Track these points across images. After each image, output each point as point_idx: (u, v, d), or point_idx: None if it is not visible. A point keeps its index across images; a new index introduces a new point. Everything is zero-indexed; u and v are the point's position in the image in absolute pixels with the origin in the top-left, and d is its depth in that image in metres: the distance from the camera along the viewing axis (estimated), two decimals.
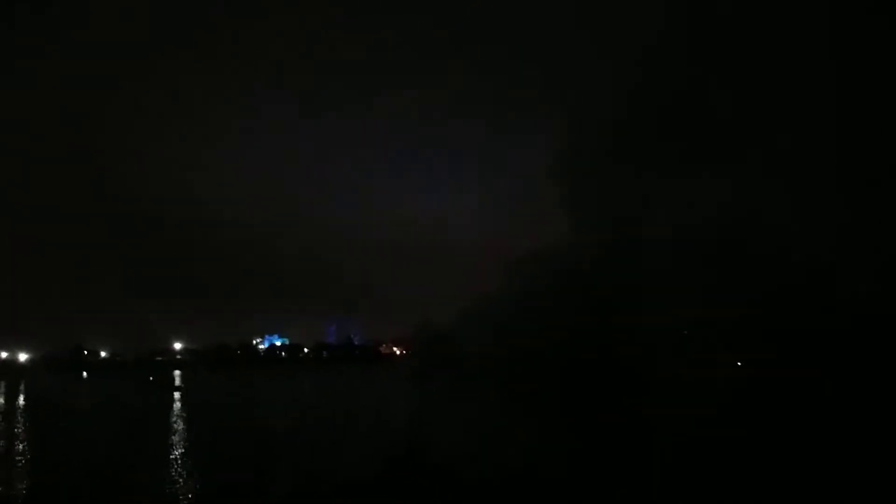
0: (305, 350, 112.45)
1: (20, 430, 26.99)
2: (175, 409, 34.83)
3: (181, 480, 16.00)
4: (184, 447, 21.32)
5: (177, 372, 72.62)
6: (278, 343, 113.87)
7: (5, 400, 43.83)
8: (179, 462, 18.39)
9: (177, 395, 43.49)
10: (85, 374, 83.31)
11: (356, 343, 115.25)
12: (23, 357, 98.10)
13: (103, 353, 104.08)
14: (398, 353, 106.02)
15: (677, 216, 26.46)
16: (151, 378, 56.16)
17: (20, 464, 19.04)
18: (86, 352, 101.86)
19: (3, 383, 61.88)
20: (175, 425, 27.48)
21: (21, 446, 22.18)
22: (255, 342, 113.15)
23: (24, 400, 44.42)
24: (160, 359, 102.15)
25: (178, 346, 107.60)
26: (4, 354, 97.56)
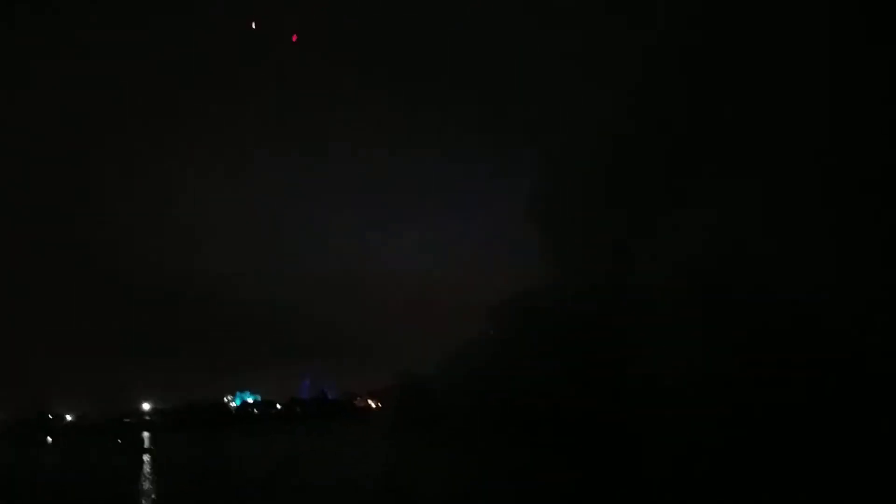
0: (278, 406, 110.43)
1: None
2: (145, 471, 34.11)
3: None
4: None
5: (146, 433, 70.93)
6: (250, 400, 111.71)
7: None
8: None
9: (146, 457, 42.54)
10: (49, 439, 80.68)
11: (329, 398, 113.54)
12: None
13: (69, 417, 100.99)
14: (374, 406, 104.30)
15: (664, 254, 26.36)
16: (119, 440, 54.92)
17: None
18: (50, 416, 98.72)
19: None
20: (145, 488, 26.96)
21: None
22: (226, 400, 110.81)
23: None
24: (128, 420, 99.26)
25: (146, 406, 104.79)
26: None
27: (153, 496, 24.03)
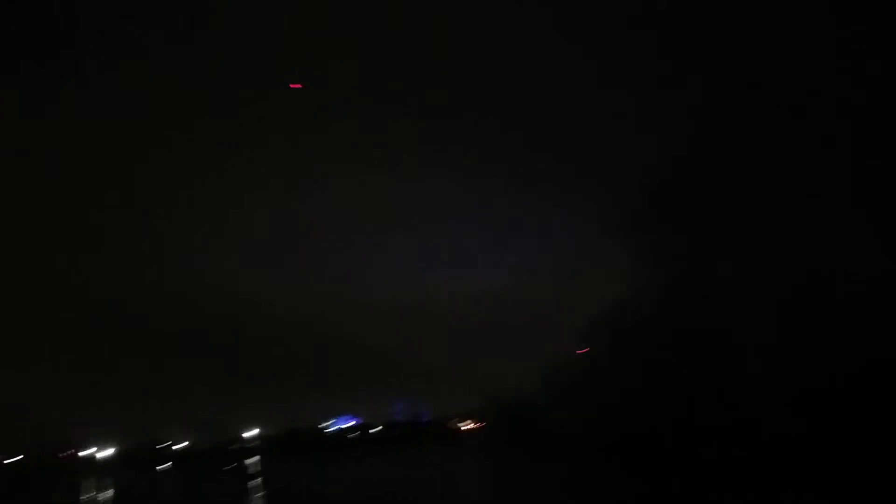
0: (375, 430, 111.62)
1: None
2: (251, 496, 34.76)
3: None
4: None
5: (250, 460, 72.88)
6: (347, 425, 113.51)
7: (87, 496, 44.59)
8: None
9: (251, 482, 43.47)
10: (160, 466, 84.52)
11: (424, 420, 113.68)
12: (101, 454, 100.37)
13: (178, 445, 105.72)
14: (468, 427, 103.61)
15: (750, 261, 25.35)
16: (226, 468, 56.34)
17: None
18: (160, 445, 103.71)
19: (85, 481, 63.13)
20: None
21: None
22: (322, 425, 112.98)
23: (110, 494, 45.07)
24: (234, 447, 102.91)
25: (251, 433, 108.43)
26: (84, 452, 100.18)
27: None
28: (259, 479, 46.47)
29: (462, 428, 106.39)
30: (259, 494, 37.07)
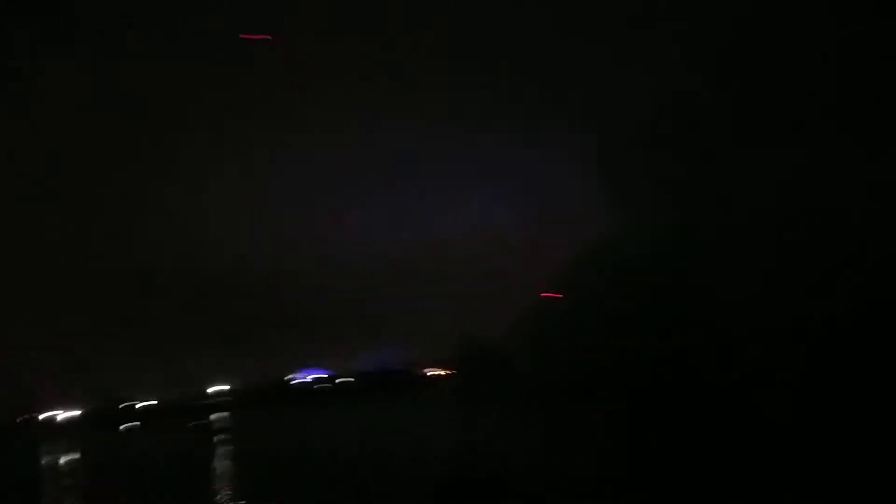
0: (345, 380, 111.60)
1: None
2: (219, 452, 34.04)
3: None
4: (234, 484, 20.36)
5: (217, 415, 72.19)
6: (315, 376, 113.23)
7: (51, 457, 43.46)
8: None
9: (220, 437, 42.81)
10: (126, 425, 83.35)
11: (395, 369, 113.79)
12: (63, 415, 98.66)
13: (144, 404, 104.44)
14: (440, 374, 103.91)
15: (746, 192, 24.43)
16: (192, 424, 55.38)
17: None
18: (126, 404, 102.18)
19: (48, 443, 61.81)
20: (223, 466, 26.64)
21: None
22: (289, 377, 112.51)
23: (74, 456, 43.95)
24: (201, 403, 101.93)
25: (218, 388, 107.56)
26: (46, 414, 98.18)
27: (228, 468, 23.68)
28: (225, 434, 45.76)
29: (432, 375, 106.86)
30: (225, 448, 36.36)
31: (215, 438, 42.94)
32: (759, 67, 26.45)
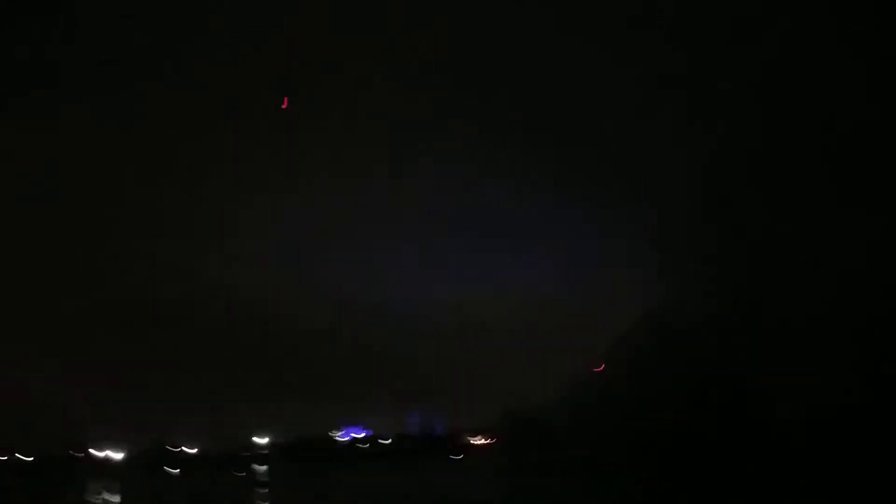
0: (387, 441, 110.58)
1: None
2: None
3: None
4: None
5: (261, 468, 72.27)
6: (359, 435, 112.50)
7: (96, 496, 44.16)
8: None
9: (262, 490, 42.88)
10: (175, 471, 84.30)
11: (438, 433, 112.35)
12: (116, 456, 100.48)
13: (191, 451, 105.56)
14: (483, 443, 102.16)
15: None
16: (242, 474, 55.45)
17: None
18: (174, 449, 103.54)
19: (101, 483, 62.91)
20: None
21: None
22: (333, 434, 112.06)
23: (123, 497, 44.61)
24: (246, 454, 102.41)
25: (261, 440, 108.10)
26: (100, 454, 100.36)
27: None
28: (267, 488, 45.82)
29: (476, 442, 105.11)
30: (267, 502, 36.35)
31: (257, 490, 43.13)
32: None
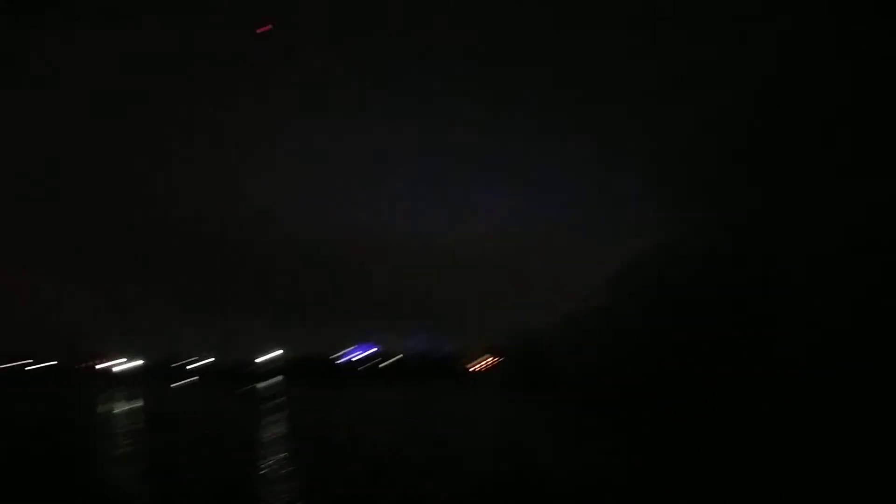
0: (393, 359, 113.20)
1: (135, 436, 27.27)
2: (265, 418, 35.01)
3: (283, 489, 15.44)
4: (280, 456, 20.83)
5: (271, 381, 74.28)
6: (366, 353, 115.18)
7: (107, 408, 45.59)
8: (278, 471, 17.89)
9: (270, 404, 44.06)
10: (179, 383, 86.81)
11: (443, 353, 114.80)
12: (131, 365, 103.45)
13: (196, 364, 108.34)
14: (488, 363, 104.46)
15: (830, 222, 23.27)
16: (249, 387, 56.83)
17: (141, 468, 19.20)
18: (180, 363, 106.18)
19: (104, 393, 64.91)
20: (268, 434, 27.34)
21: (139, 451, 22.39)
22: (339, 353, 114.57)
23: (126, 408, 46.02)
24: (250, 369, 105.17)
25: (268, 357, 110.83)
26: (104, 365, 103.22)
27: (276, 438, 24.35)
28: (272, 402, 47.07)
29: (480, 363, 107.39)
30: (271, 416, 37.36)
31: (262, 406, 44.31)
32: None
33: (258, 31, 58.61)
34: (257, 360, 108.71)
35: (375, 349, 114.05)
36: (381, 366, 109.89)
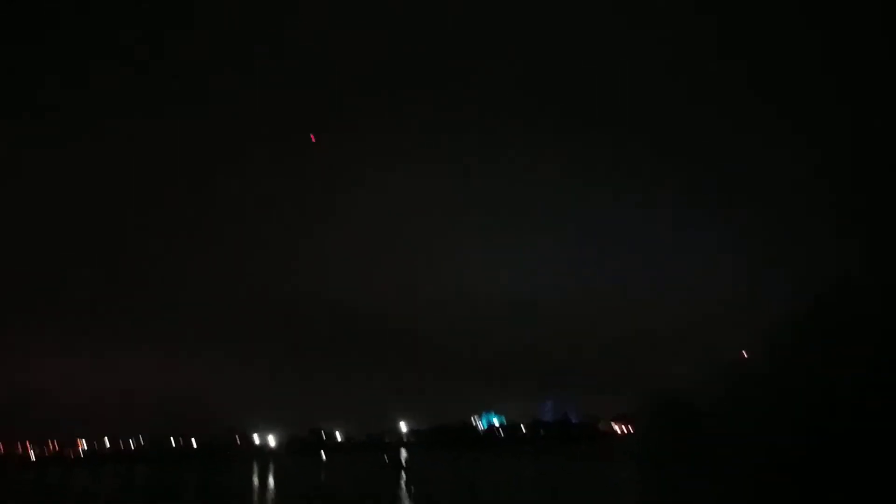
0: (522, 429, 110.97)
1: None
2: (403, 488, 35.39)
3: None
4: None
5: (403, 453, 74.81)
6: (496, 422, 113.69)
7: (259, 481, 47.72)
8: None
9: (404, 474, 44.46)
10: (324, 456, 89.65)
11: (573, 420, 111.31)
12: (271, 441, 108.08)
13: (339, 437, 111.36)
14: (619, 430, 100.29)
15: None
16: (386, 460, 57.34)
17: None
18: (323, 434, 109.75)
19: (257, 465, 67.79)
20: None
21: None
22: (472, 421, 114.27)
23: (275, 482, 47.97)
24: (388, 441, 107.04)
25: (404, 427, 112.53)
26: (257, 438, 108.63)
27: None
28: (411, 471, 47.45)
29: (613, 429, 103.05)
30: (414, 484, 37.64)
31: (404, 473, 44.83)
32: None
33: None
34: (394, 431, 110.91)
35: (500, 419, 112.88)
36: (510, 434, 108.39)
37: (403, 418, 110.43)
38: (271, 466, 63.76)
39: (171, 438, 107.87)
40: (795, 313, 29.67)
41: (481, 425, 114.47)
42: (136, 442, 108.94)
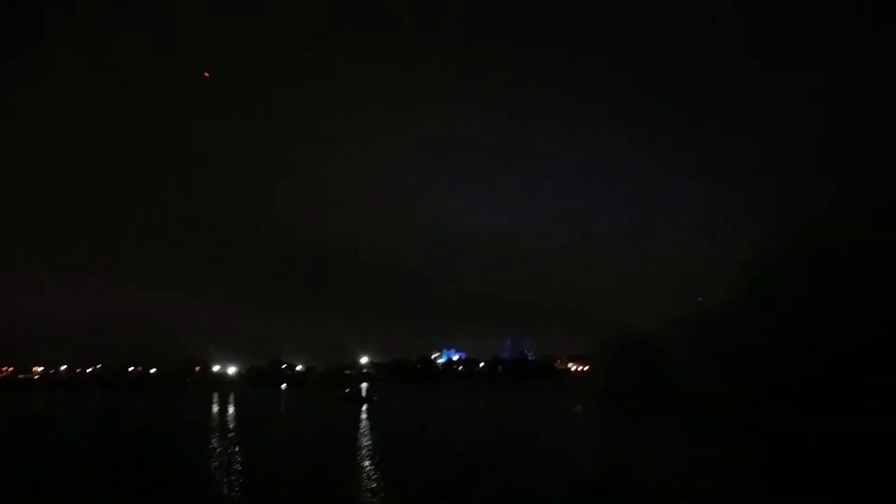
0: (481, 364, 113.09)
1: (234, 437, 28.51)
2: (363, 419, 35.60)
3: (378, 488, 15.86)
4: (376, 457, 21.10)
5: (363, 385, 75.49)
6: (455, 357, 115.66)
7: (219, 410, 47.59)
8: (374, 471, 18.26)
9: (364, 406, 44.78)
10: (283, 386, 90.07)
11: (531, 359, 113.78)
12: (230, 370, 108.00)
13: (298, 367, 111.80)
14: (574, 369, 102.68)
15: None
16: (346, 391, 57.62)
17: (237, 467, 19.95)
18: (284, 365, 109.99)
19: (215, 395, 67.71)
20: (366, 435, 27.73)
21: (236, 451, 23.36)
22: (433, 356, 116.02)
23: (234, 410, 47.93)
24: (349, 372, 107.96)
25: (364, 360, 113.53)
26: (216, 368, 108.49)
27: (372, 439, 24.71)
28: (370, 403, 47.82)
29: (569, 368, 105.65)
30: (370, 416, 37.88)
31: (363, 406, 45.14)
32: None
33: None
34: (355, 364, 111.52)
35: (461, 355, 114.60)
36: (468, 369, 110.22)
37: (365, 353, 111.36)
38: (231, 396, 63.74)
39: (129, 367, 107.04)
40: (763, 254, 29.77)
41: (441, 360, 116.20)
42: (94, 370, 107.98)
